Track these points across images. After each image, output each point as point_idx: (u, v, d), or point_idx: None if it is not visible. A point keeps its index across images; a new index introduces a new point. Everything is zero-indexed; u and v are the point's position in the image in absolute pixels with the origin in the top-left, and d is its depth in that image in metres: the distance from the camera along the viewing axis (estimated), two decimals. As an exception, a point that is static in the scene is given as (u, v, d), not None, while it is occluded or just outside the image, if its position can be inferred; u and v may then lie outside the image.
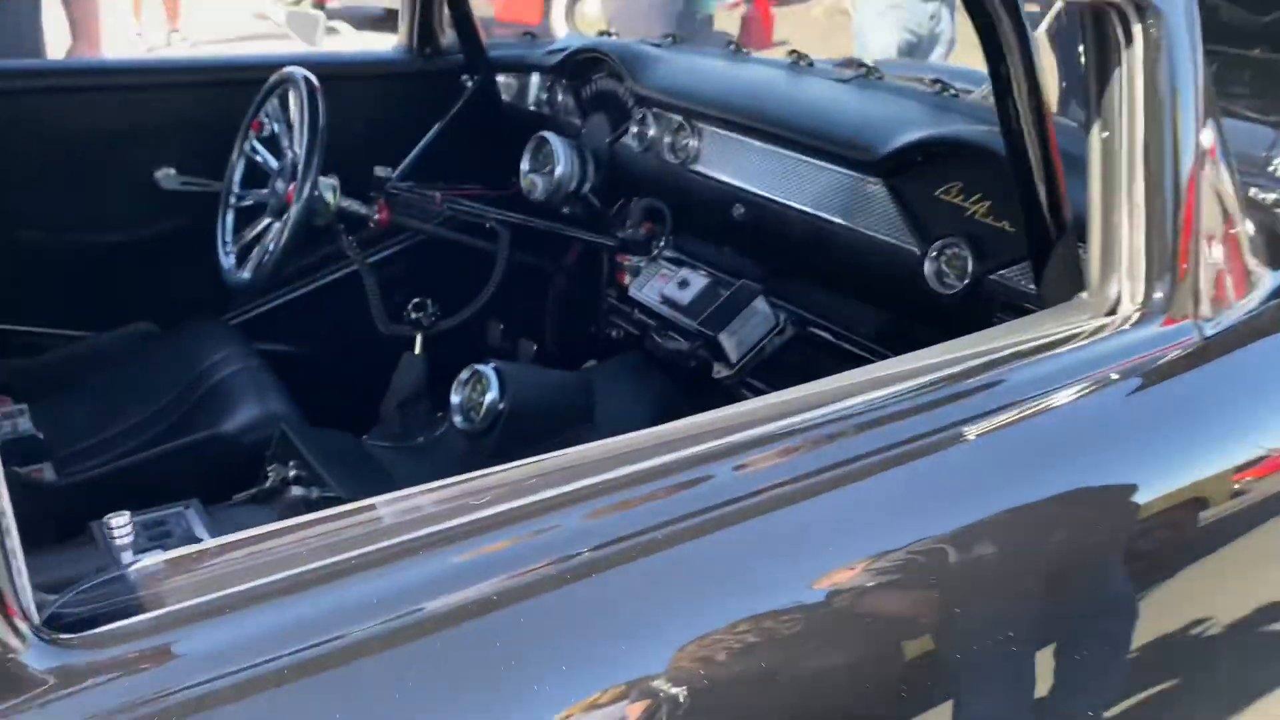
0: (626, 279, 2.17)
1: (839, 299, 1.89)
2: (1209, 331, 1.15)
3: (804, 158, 1.85)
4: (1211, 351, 1.14)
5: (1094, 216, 1.13)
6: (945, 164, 1.63)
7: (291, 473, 1.67)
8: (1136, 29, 1.05)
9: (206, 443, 1.79)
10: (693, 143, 2.09)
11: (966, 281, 1.59)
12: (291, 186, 1.91)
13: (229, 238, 2.10)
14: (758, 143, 1.95)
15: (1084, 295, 1.17)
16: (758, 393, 1.89)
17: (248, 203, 2.12)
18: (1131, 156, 1.08)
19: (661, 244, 2.14)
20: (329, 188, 2.00)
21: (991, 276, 1.56)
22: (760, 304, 1.82)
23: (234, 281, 2.00)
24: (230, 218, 2.12)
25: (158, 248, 2.35)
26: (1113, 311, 1.13)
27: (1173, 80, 1.06)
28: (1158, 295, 1.12)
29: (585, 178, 2.29)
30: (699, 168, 2.09)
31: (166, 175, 2.31)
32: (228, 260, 2.06)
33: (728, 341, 1.79)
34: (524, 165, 2.34)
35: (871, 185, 1.74)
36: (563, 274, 2.55)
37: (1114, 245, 1.11)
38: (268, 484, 1.67)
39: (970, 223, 1.60)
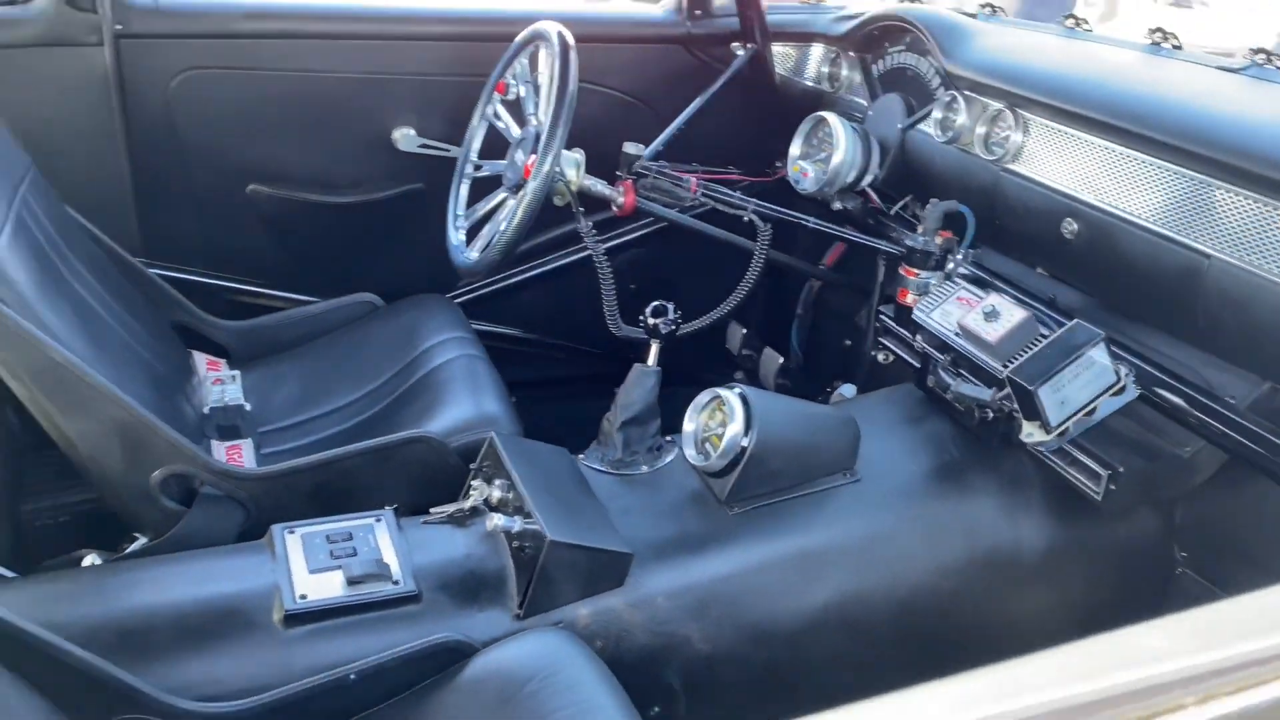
0: (910, 296, 1.78)
1: (1196, 355, 1.43)
2: None
3: (1174, 166, 1.40)
4: None
5: None
6: None
7: (496, 494, 1.43)
8: None
9: (411, 443, 1.58)
10: (1014, 136, 1.67)
11: None
12: (531, 159, 1.66)
13: (461, 211, 1.89)
14: (1106, 141, 1.51)
15: None
16: (1076, 464, 1.47)
17: (485, 173, 1.90)
18: None
19: (959, 258, 1.75)
20: (572, 163, 1.73)
21: None
22: (1099, 354, 1.39)
23: (459, 261, 1.78)
24: (465, 189, 1.91)
25: (389, 214, 2.19)
26: None
27: None
28: None
29: (867, 169, 1.91)
30: (1019, 168, 1.67)
31: (405, 135, 2.14)
32: (456, 236, 1.84)
33: (1049, 398, 1.38)
34: (794, 149, 1.99)
35: (1275, 213, 1.28)
36: (823, 278, 2.19)
37: None
38: (468, 504, 1.44)
39: None
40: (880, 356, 1.94)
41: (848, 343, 2.19)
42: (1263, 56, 1.57)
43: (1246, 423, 1.33)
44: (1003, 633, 1.55)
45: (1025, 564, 1.54)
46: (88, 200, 1.84)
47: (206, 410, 1.81)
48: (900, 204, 1.96)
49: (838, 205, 1.97)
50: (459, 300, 2.24)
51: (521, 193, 1.64)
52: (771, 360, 2.27)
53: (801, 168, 1.97)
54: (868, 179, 1.93)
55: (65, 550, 1.52)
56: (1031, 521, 1.55)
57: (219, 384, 1.89)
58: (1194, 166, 1.37)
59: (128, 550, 1.51)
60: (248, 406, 1.84)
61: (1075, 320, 1.44)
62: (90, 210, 1.80)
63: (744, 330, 2.35)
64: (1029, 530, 1.55)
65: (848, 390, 2.06)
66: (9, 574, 1.39)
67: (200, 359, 1.94)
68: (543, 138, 1.63)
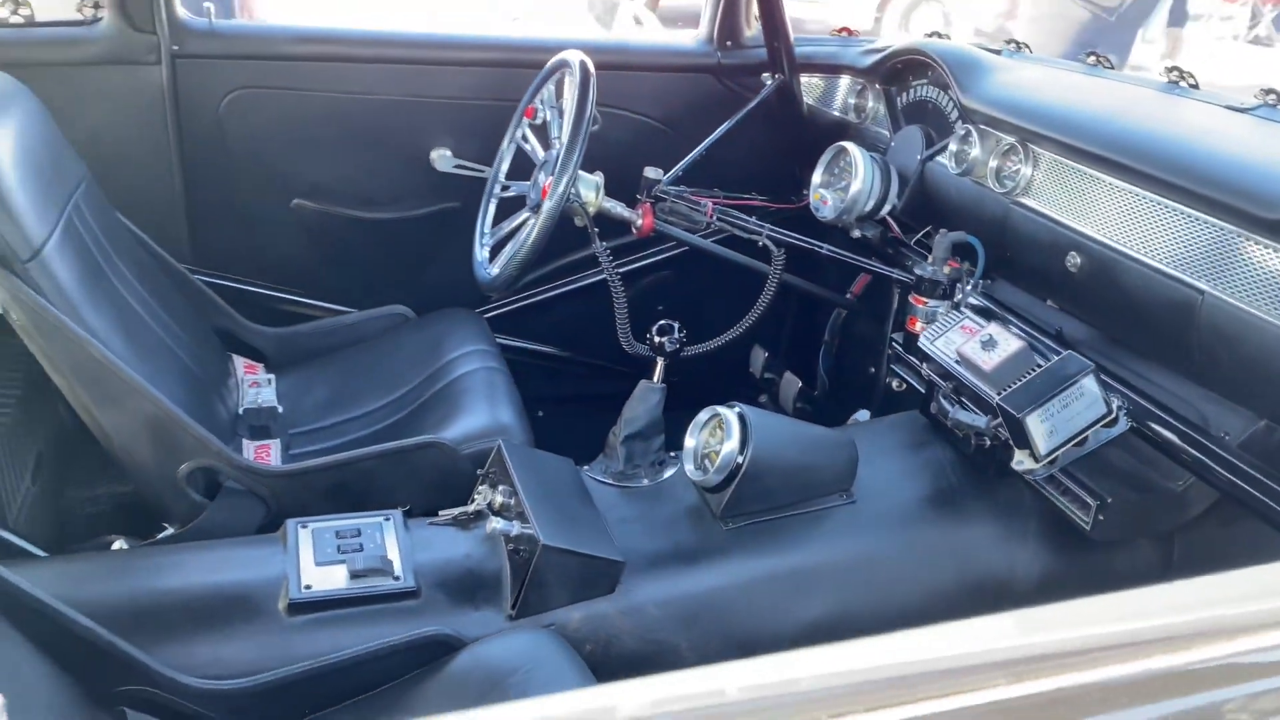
0: (918, 325, 1.81)
1: (1194, 389, 1.44)
2: None
3: (1174, 203, 1.42)
4: None
5: None
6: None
7: (499, 499, 1.49)
8: None
9: (424, 448, 1.65)
10: (1025, 170, 1.69)
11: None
12: (549, 181, 1.73)
13: (487, 229, 1.97)
14: (1111, 178, 1.53)
15: None
16: (1067, 493, 1.49)
17: (511, 193, 1.98)
18: None
19: (968, 288, 1.77)
20: (591, 186, 1.80)
21: None
22: (1089, 384, 1.41)
23: (481, 276, 1.86)
24: (492, 208, 1.99)
25: (424, 230, 2.28)
26: None
27: None
28: None
29: (885, 198, 1.95)
30: (1029, 201, 1.69)
31: (442, 156, 2.23)
32: (481, 253, 1.92)
33: (1037, 427, 1.40)
34: (816, 177, 2.04)
35: (1269, 252, 1.29)
36: (845, 306, 2.22)
37: None
38: (472, 507, 1.50)
39: None
40: (894, 383, 1.97)
41: (872, 370, 2.22)
42: (1273, 97, 1.58)
43: (1237, 461, 1.34)
44: None
45: (1018, 591, 1.56)
46: (141, 209, 1.96)
47: (241, 411, 1.91)
48: (920, 233, 1.99)
49: (857, 233, 2.01)
50: (487, 315, 2.32)
51: (538, 212, 1.71)
52: (791, 384, 2.30)
53: (822, 195, 2.02)
54: (887, 208, 1.96)
55: (104, 534, 1.62)
56: (1025, 549, 1.57)
57: (255, 386, 1.99)
58: (1190, 204, 1.39)
59: (157, 538, 1.60)
60: (280, 409, 1.93)
61: (1068, 351, 1.46)
62: (143, 219, 1.91)
63: (766, 353, 2.39)
64: (1023, 558, 1.56)
65: (862, 416, 2.09)
66: (42, 554, 1.49)
67: (239, 362, 2.05)
68: (558, 161, 1.70)
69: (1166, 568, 1.58)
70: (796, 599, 1.50)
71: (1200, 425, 1.41)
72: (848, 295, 2.21)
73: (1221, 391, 1.40)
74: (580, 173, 1.79)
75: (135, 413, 1.48)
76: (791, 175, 2.24)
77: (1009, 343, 1.53)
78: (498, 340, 2.24)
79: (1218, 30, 7.05)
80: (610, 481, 1.62)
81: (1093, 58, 1.92)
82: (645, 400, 1.65)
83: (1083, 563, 1.56)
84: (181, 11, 2.03)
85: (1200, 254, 1.38)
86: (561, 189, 1.67)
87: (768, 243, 1.92)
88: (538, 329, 2.44)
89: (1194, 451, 1.39)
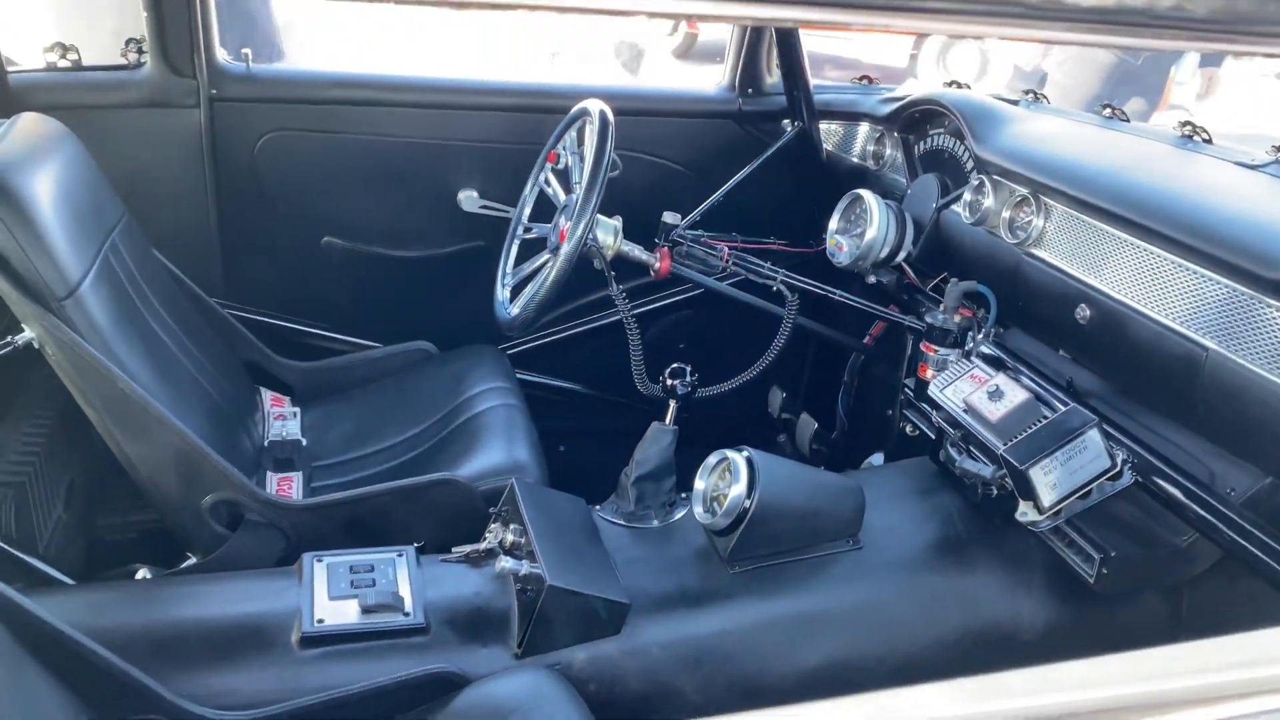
0: (929, 372, 1.83)
1: (1202, 444, 1.45)
2: None
3: (1181, 260, 1.43)
4: None
5: None
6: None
7: (509, 538, 1.52)
8: None
9: (440, 485, 1.69)
10: (1037, 221, 1.71)
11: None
12: (567, 225, 1.77)
13: (509, 269, 2.02)
14: (1120, 232, 1.55)
15: None
16: (1073, 545, 1.50)
17: (533, 235, 2.03)
18: None
19: (980, 337, 1.79)
20: (610, 230, 1.85)
21: None
22: (1093, 438, 1.42)
23: (501, 316, 1.90)
24: (515, 249, 2.04)
25: (450, 268, 2.33)
26: None
27: None
28: None
29: (900, 246, 1.98)
30: (1040, 253, 1.71)
31: (468, 197, 2.29)
32: (502, 293, 1.97)
33: (1040, 479, 1.41)
34: (833, 224, 2.07)
35: (1275, 311, 1.30)
36: (861, 350, 2.24)
37: None
38: (484, 545, 1.54)
39: None
40: (908, 428, 1.98)
41: (887, 413, 2.23)
42: (1282, 152, 1.59)
43: (1239, 519, 1.34)
44: None
45: (1023, 642, 1.56)
46: (178, 246, 2.03)
47: (266, 443, 1.96)
48: (936, 280, 2.01)
49: (873, 279, 2.04)
50: (511, 351, 2.37)
51: (557, 255, 1.76)
52: (807, 425, 2.32)
53: (838, 241, 2.05)
54: (902, 255, 1.99)
55: (131, 563, 1.67)
56: (1031, 599, 1.57)
57: (280, 419, 2.05)
58: (1195, 261, 1.41)
59: (179, 568, 1.65)
60: (304, 441, 1.99)
61: (1072, 405, 1.48)
62: (179, 255, 1.98)
63: (784, 394, 2.41)
64: (1028, 608, 1.57)
65: (877, 459, 2.11)
66: (69, 581, 1.55)
67: (267, 395, 2.11)
68: (577, 206, 1.74)
69: (1175, 621, 1.58)
70: (801, 644, 1.51)
71: (1206, 481, 1.41)
72: (865, 340, 2.23)
73: (1228, 447, 1.41)
74: (599, 217, 1.83)
75: (162, 446, 1.54)
76: (810, 220, 2.27)
77: (1016, 394, 1.55)
78: (521, 376, 2.29)
79: (1260, 67, 6.98)
80: (621, 522, 1.65)
81: (1108, 110, 1.94)
82: (657, 442, 1.68)
83: (1088, 615, 1.57)
84: (220, 56, 2.11)
85: (1205, 311, 1.39)
86: (579, 234, 1.71)
87: (782, 288, 1.95)
88: (561, 365, 2.48)
89: (1198, 508, 1.39)
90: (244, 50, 2.13)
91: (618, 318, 2.44)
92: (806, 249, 2.22)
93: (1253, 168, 1.58)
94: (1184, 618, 1.57)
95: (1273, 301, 1.30)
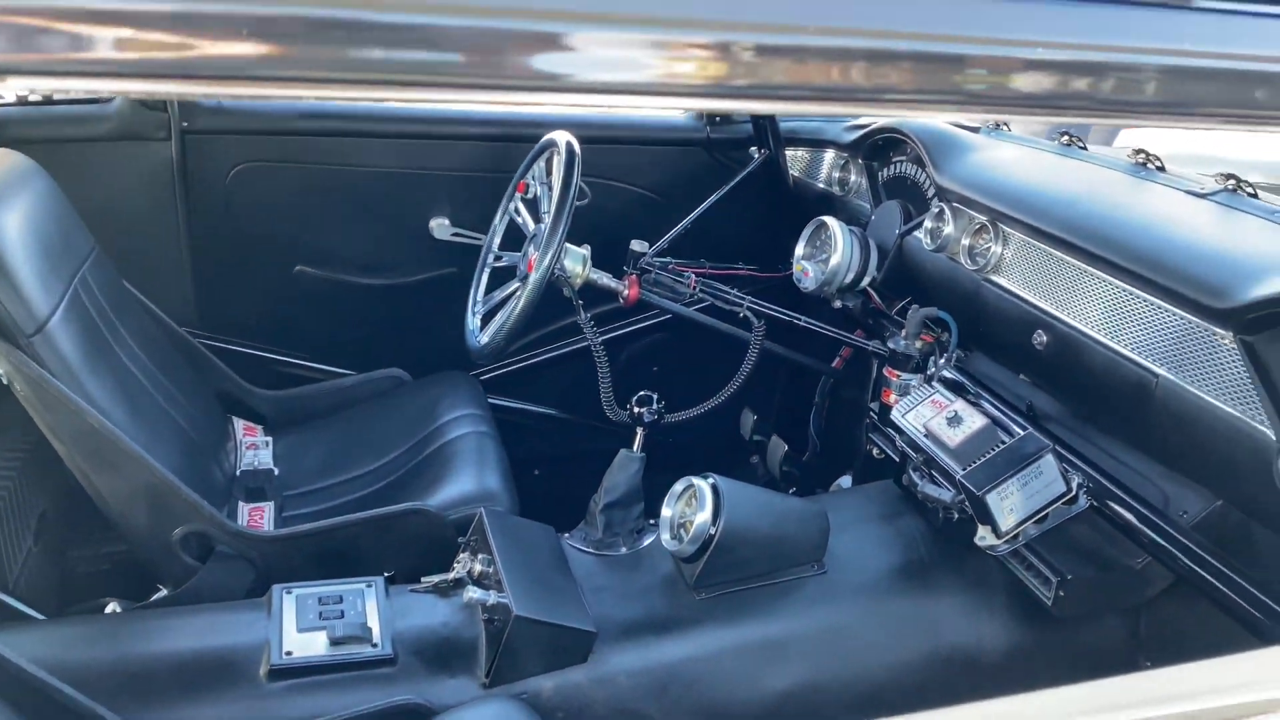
0: (892, 397, 1.86)
1: (1156, 467, 1.48)
2: None
3: (1132, 288, 1.47)
4: None
5: None
6: (1330, 328, 1.21)
7: (478, 567, 1.53)
8: None
9: (410, 515, 1.71)
10: (995, 249, 1.75)
11: (1344, 493, 1.15)
12: (535, 255, 1.80)
13: (480, 298, 2.04)
14: (1075, 260, 1.58)
15: None
16: (1031, 569, 1.52)
17: (503, 264, 2.05)
18: None
19: (941, 362, 1.82)
20: (578, 259, 1.87)
21: (1383, 493, 1.12)
22: (1048, 463, 1.45)
23: (471, 344, 1.92)
24: (486, 277, 2.06)
25: (422, 296, 2.35)
26: None
27: None
28: None
29: (865, 271, 2.01)
30: (999, 279, 1.74)
31: (440, 225, 2.31)
32: (473, 321, 1.99)
33: (997, 504, 1.44)
34: (799, 250, 2.10)
35: (1220, 339, 1.33)
36: (828, 374, 2.27)
37: None
38: (452, 575, 1.55)
39: (1358, 412, 1.16)
40: (875, 451, 2.01)
41: (858, 435, 2.26)
42: (1232, 182, 1.63)
43: (1190, 543, 1.37)
44: None
45: (986, 664, 1.59)
46: (150, 277, 2.04)
47: (238, 472, 1.97)
48: (901, 305, 2.04)
49: (838, 304, 2.07)
50: (485, 377, 2.38)
51: (525, 284, 1.78)
52: (777, 448, 2.35)
53: (804, 267, 2.08)
54: (866, 280, 2.02)
55: (102, 595, 1.68)
56: (993, 622, 1.60)
57: (253, 449, 2.06)
58: (1145, 289, 1.44)
59: (150, 601, 1.66)
60: (276, 471, 2.00)
61: (1028, 430, 1.51)
62: (151, 287, 1.99)
63: (755, 417, 2.44)
64: (990, 631, 1.60)
65: (845, 481, 2.14)
66: (38, 616, 1.55)
67: (239, 425, 2.12)
68: (544, 236, 1.77)
69: (1134, 642, 1.61)
70: (767, 669, 1.53)
71: (1159, 504, 1.44)
72: (835, 364, 2.26)
73: (1181, 471, 1.44)
74: (568, 246, 1.85)
75: (132, 479, 1.55)
76: (778, 246, 2.30)
77: (974, 419, 1.58)
78: (495, 402, 2.30)
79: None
80: (589, 550, 1.67)
81: (1065, 137, 1.98)
82: (624, 469, 1.70)
83: (1049, 637, 1.59)
84: (192, 89, 2.12)
85: (1155, 338, 1.43)
86: (546, 264, 1.74)
87: (748, 314, 1.98)
88: (535, 390, 2.50)
89: (1150, 532, 1.42)
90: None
91: (604, 337, 2.47)
92: (775, 274, 2.25)
93: (1202, 196, 1.61)
94: (1142, 639, 1.60)
95: (1219, 330, 1.33)
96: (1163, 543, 1.40)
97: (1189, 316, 1.38)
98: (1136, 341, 1.45)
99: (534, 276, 1.76)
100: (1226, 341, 1.32)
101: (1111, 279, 1.51)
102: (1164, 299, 1.42)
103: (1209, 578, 1.33)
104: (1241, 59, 0.68)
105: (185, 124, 2.11)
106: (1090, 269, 1.55)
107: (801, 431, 2.39)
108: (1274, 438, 1.24)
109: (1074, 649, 1.60)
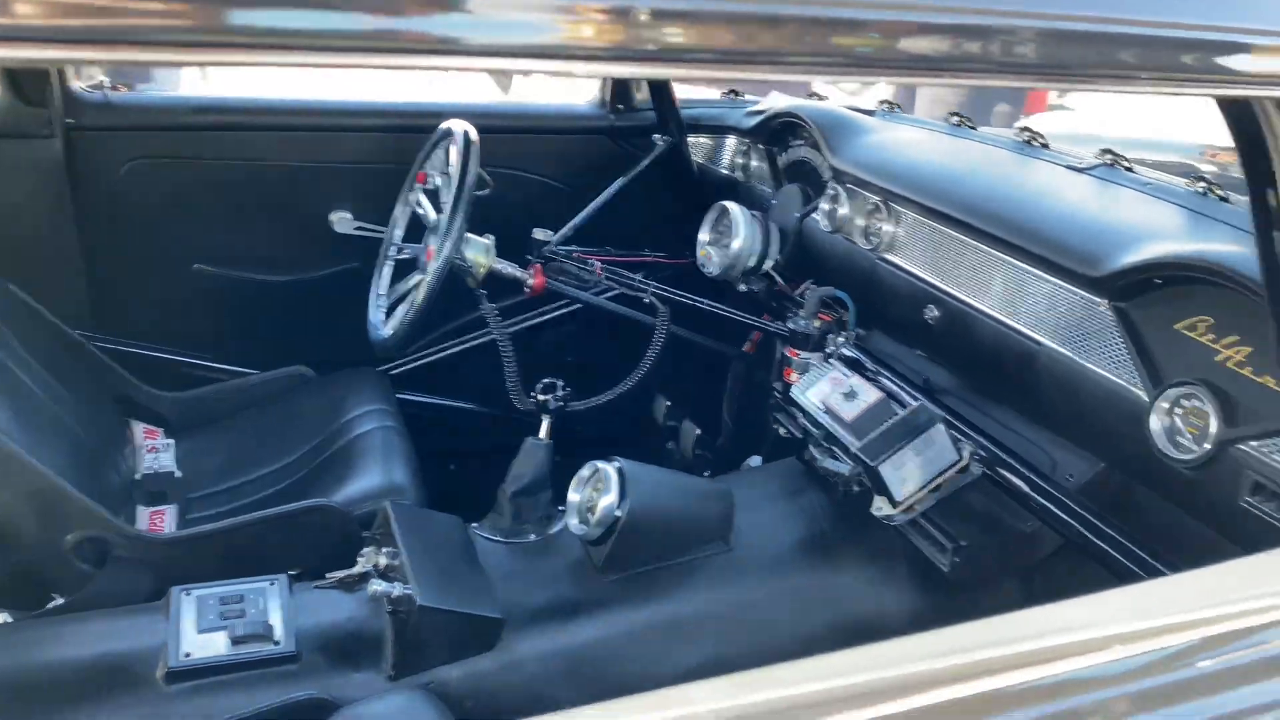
0: (794, 375, 1.89)
1: (1045, 434, 1.53)
2: None
3: (1015, 261, 1.52)
4: None
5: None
6: (1192, 292, 1.26)
7: (383, 561, 1.52)
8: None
9: (314, 511, 1.68)
10: (888, 228, 1.79)
11: (1207, 447, 1.21)
12: (435, 245, 1.79)
13: (383, 290, 2.01)
14: (962, 236, 1.63)
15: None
16: (928, 537, 1.57)
17: (405, 256, 2.03)
18: None
19: (841, 340, 1.85)
20: (481, 248, 1.86)
21: (1242, 447, 1.18)
22: (938, 434, 1.49)
23: (374, 338, 1.90)
24: (388, 270, 2.03)
25: (326, 291, 2.32)
26: None
27: None
28: None
29: (767, 254, 2.03)
30: (893, 257, 1.79)
31: (341, 218, 2.28)
32: (376, 315, 1.97)
33: (891, 475, 1.48)
34: (702, 235, 2.12)
35: (1096, 306, 1.39)
36: (736, 357, 2.30)
37: None
38: (356, 570, 1.53)
39: (1218, 370, 1.22)
40: (781, 430, 2.04)
41: (766, 416, 2.29)
42: (1109, 157, 1.69)
43: (1076, 506, 1.42)
44: None
45: (890, 632, 1.61)
46: (41, 279, 1.98)
47: (138, 477, 1.92)
48: (803, 286, 2.07)
49: (743, 287, 2.09)
50: (395, 371, 2.36)
51: (426, 276, 1.77)
52: (690, 432, 2.37)
53: (708, 252, 2.10)
54: (769, 263, 2.04)
55: (-3, 607, 1.62)
56: (894, 591, 1.64)
57: (153, 452, 2.01)
58: (1027, 261, 1.49)
59: (43, 610, 1.61)
60: (178, 473, 1.95)
61: (920, 402, 1.55)
62: (43, 289, 1.93)
63: (668, 402, 2.45)
64: (892, 600, 1.63)
65: (754, 462, 2.16)
66: (-77, 631, 1.50)
67: (139, 428, 2.06)
68: (443, 226, 1.76)
69: (1030, 603, 1.65)
70: (675, 648, 1.55)
71: (1047, 470, 1.49)
72: (746, 347, 2.28)
73: (1067, 437, 1.50)
74: (470, 236, 1.85)
75: (17, 485, 1.50)
76: (683, 232, 2.32)
77: (869, 394, 1.61)
78: (405, 397, 2.28)
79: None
80: (498, 538, 1.67)
81: (956, 118, 2.03)
82: (531, 456, 1.70)
83: (948, 602, 1.64)
84: (76, 85, 2.06)
85: (1037, 309, 1.48)
86: (446, 252, 1.73)
87: (653, 300, 1.99)
88: (446, 384, 2.48)
89: (1038, 497, 1.47)
90: (100, 78, 2.08)
91: (510, 327, 2.46)
92: (681, 260, 2.27)
93: (1081, 170, 1.67)
94: (1038, 599, 1.65)
95: (1095, 298, 1.38)
96: (1051, 507, 1.45)
97: (1068, 286, 1.43)
98: (1020, 312, 1.50)
99: (433, 266, 1.75)
100: (1102, 308, 1.38)
101: (996, 253, 1.56)
102: (1044, 270, 1.47)
103: (1095, 540, 1.38)
104: (1114, 22, 0.71)
105: (70, 120, 2.04)
106: (976, 244, 1.59)
107: (715, 415, 2.42)
108: (1146, 399, 1.29)
109: (973, 613, 1.63)
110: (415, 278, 1.93)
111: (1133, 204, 1.54)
